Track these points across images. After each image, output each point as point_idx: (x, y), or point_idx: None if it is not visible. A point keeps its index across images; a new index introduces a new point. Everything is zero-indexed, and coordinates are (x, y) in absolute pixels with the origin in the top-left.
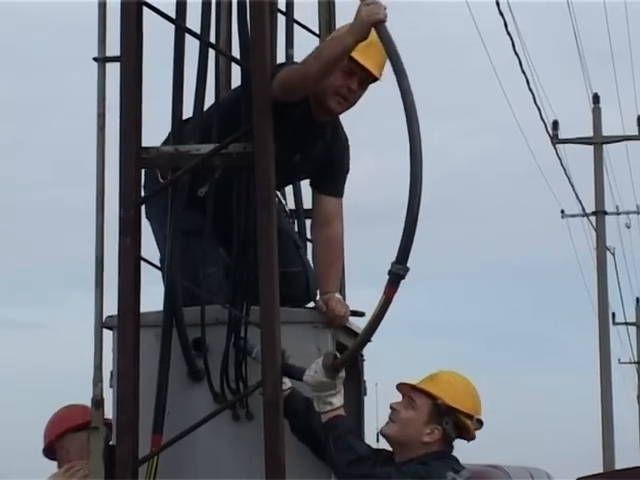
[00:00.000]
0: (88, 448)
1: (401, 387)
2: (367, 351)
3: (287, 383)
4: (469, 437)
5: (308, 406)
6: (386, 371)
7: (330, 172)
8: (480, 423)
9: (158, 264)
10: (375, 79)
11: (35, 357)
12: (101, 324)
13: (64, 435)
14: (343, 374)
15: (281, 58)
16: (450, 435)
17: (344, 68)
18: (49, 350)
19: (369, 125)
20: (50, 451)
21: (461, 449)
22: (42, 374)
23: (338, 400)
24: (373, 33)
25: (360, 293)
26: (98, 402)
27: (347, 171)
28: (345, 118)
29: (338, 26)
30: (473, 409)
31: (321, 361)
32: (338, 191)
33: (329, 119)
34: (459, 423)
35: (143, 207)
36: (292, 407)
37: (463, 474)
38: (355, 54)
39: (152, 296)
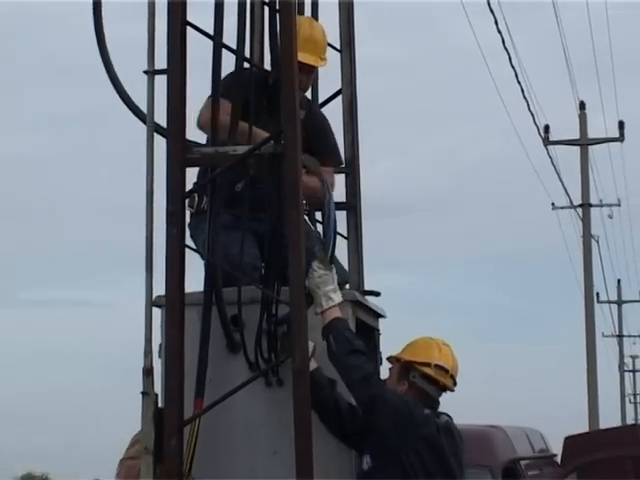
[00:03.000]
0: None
1: (387, 360)
2: (382, 326)
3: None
4: (445, 387)
5: (331, 382)
6: (398, 344)
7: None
8: (441, 369)
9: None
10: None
11: (101, 331)
12: (151, 303)
13: None
14: (334, 269)
15: None
16: (422, 388)
17: None
18: (112, 325)
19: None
20: None
21: (466, 413)
22: (107, 344)
23: (338, 297)
24: (308, 28)
25: (377, 277)
26: (148, 371)
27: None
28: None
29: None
30: (427, 358)
31: (316, 261)
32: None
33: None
34: (424, 374)
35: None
36: (316, 382)
37: (442, 417)
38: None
39: (195, 279)
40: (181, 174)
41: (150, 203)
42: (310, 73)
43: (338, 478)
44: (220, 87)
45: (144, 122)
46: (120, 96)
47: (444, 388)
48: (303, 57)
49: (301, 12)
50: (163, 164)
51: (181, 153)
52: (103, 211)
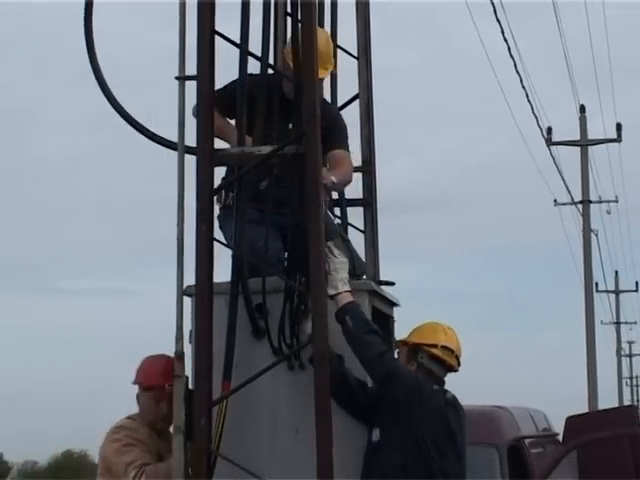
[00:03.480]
0: (151, 406)
1: (396, 344)
2: (397, 314)
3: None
4: (450, 366)
5: (339, 357)
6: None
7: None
8: (447, 350)
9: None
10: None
11: (135, 318)
12: (182, 292)
13: (138, 388)
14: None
15: (327, 77)
16: (429, 368)
17: None
18: (145, 313)
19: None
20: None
21: (474, 395)
22: (140, 331)
23: (349, 285)
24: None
25: (393, 269)
26: (179, 355)
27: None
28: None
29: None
30: (434, 339)
31: (336, 249)
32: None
33: None
34: (431, 355)
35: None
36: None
37: (448, 393)
38: None
39: (223, 270)
40: (210, 173)
41: (181, 200)
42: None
43: (352, 454)
44: (245, 91)
45: (132, 125)
46: (108, 100)
47: (450, 368)
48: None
49: (321, 23)
50: (193, 164)
51: (209, 153)
52: (138, 207)
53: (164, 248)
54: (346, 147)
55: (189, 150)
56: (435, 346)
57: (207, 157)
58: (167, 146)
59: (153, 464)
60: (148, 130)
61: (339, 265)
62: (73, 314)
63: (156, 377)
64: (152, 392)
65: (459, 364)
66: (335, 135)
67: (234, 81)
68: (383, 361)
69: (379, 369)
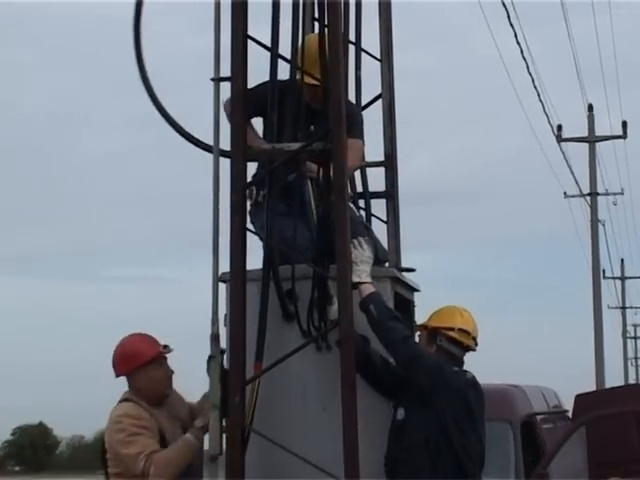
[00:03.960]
0: (156, 378)
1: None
2: (417, 299)
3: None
4: (468, 347)
5: (363, 338)
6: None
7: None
8: (464, 332)
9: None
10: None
11: (173, 303)
12: (217, 279)
13: (133, 372)
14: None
15: (351, 78)
16: (448, 349)
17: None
18: (183, 298)
19: (423, 129)
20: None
21: (490, 374)
22: (178, 315)
23: (370, 278)
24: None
25: (413, 256)
26: (215, 337)
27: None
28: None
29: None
30: (451, 322)
31: (364, 242)
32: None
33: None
34: (449, 337)
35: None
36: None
37: (468, 373)
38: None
39: (255, 258)
40: (243, 167)
41: (216, 194)
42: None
43: (377, 430)
44: (276, 92)
45: (174, 128)
46: (154, 104)
47: (467, 348)
48: (310, 80)
49: (346, 27)
50: (227, 160)
51: (243, 149)
52: (175, 201)
53: (200, 239)
54: (357, 136)
55: (224, 153)
56: (452, 329)
57: (240, 153)
58: (204, 149)
59: (160, 451)
60: (188, 133)
61: (365, 258)
62: (117, 299)
63: (150, 348)
64: (154, 362)
65: (476, 344)
66: (348, 126)
67: (264, 82)
68: (406, 345)
69: (403, 353)
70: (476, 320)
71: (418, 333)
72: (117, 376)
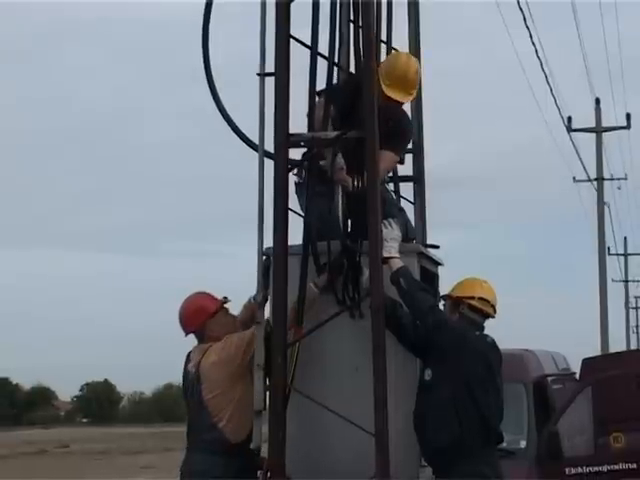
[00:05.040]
0: (227, 323)
1: (441, 298)
2: (441, 272)
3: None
4: (487, 314)
5: (394, 305)
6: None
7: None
8: (483, 300)
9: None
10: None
11: (224, 274)
12: (262, 253)
13: (204, 325)
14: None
15: None
16: (470, 316)
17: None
18: (233, 270)
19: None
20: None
21: (506, 340)
22: (229, 284)
23: (399, 254)
24: (404, 66)
25: (438, 234)
26: (261, 304)
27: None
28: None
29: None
30: (471, 292)
31: (394, 222)
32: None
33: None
34: (470, 306)
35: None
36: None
37: (489, 337)
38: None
39: (296, 235)
40: (285, 154)
41: (261, 177)
42: (400, 103)
43: (404, 389)
44: (316, 86)
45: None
46: (215, 102)
47: (487, 315)
48: (394, 94)
49: (378, 27)
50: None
51: (285, 137)
52: (225, 184)
53: (248, 217)
54: (396, 151)
55: (268, 155)
56: (473, 298)
57: (283, 140)
58: (250, 146)
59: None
60: (240, 131)
61: (394, 236)
62: (173, 272)
63: (212, 300)
64: (220, 311)
65: (495, 312)
66: (393, 139)
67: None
68: (434, 313)
69: (430, 319)
70: (495, 290)
71: (443, 302)
72: (187, 333)
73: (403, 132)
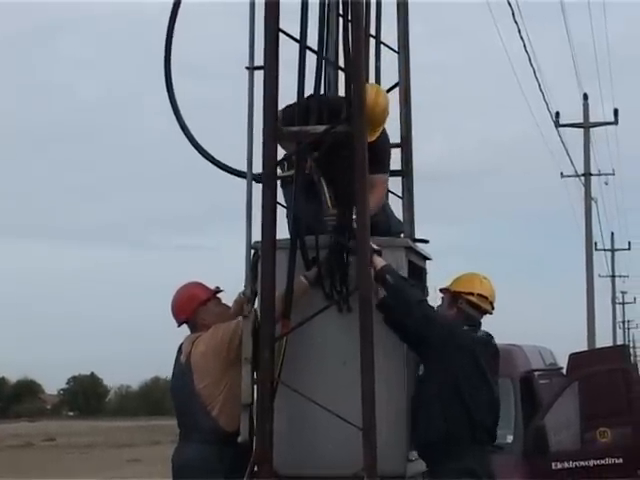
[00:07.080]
0: (218, 312)
1: (439, 291)
2: (429, 267)
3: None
4: (485, 310)
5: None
6: (442, 280)
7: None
8: (482, 297)
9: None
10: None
11: (211, 267)
12: (250, 246)
13: (196, 312)
14: None
15: (371, 68)
16: (467, 311)
17: None
18: (220, 263)
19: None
20: (184, 323)
21: (495, 335)
22: (217, 276)
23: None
24: (373, 99)
25: (425, 227)
26: (249, 298)
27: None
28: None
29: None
30: (471, 288)
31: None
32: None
33: None
34: (469, 301)
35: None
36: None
37: (479, 333)
38: None
39: (284, 228)
40: (273, 147)
41: (250, 170)
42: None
43: (397, 383)
44: (304, 80)
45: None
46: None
47: (484, 311)
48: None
49: (367, 22)
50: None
51: (273, 131)
52: (212, 176)
53: (236, 210)
54: (386, 172)
55: (255, 178)
56: (472, 294)
57: (271, 133)
58: (234, 174)
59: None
60: (217, 160)
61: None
62: (163, 264)
63: (204, 289)
64: (212, 300)
65: (493, 308)
66: (380, 161)
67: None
68: (421, 307)
69: (418, 314)
70: (494, 287)
71: (442, 296)
72: (180, 323)
73: (384, 151)
